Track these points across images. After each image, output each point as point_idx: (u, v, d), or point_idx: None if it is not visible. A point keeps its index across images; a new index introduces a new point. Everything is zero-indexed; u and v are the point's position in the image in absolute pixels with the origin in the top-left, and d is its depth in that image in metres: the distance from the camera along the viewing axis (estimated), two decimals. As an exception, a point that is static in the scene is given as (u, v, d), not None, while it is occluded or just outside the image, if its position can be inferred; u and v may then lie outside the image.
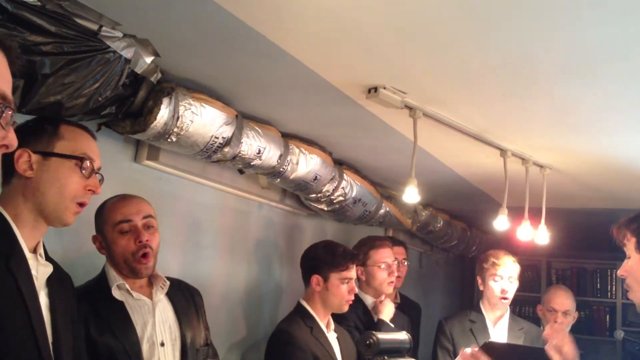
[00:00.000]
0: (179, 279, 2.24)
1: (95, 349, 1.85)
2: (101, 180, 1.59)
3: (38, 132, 1.50)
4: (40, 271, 1.46)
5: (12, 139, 1.00)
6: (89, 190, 1.53)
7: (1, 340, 1.27)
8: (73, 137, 1.54)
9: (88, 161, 1.53)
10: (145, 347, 1.93)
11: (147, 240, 1.97)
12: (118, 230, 1.96)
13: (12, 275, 1.34)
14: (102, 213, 2.02)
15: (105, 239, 2.00)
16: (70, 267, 2.14)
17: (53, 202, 1.47)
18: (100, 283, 1.99)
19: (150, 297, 2.03)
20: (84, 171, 1.51)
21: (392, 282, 3.14)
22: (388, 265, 3.12)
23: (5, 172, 1.48)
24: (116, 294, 1.96)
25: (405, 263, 3.69)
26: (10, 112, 0.99)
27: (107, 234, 1.99)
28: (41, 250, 1.50)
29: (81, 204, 1.53)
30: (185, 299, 2.15)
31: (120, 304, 1.95)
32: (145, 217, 2.00)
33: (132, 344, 1.90)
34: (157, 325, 1.98)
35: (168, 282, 2.07)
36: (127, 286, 1.98)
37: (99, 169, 1.57)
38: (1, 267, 1.33)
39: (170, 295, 2.09)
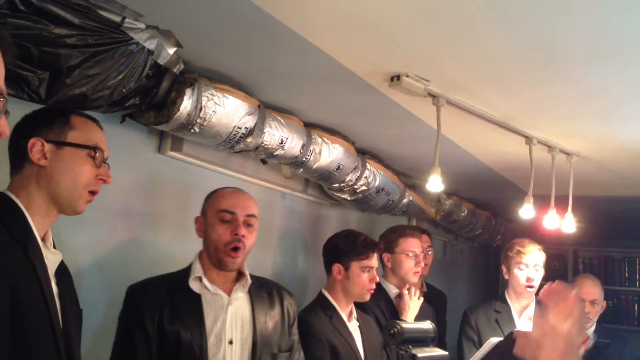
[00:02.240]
0: (275, 282, 2.27)
1: (164, 337, 1.90)
2: (108, 168, 1.62)
3: (50, 121, 1.52)
4: (50, 259, 1.48)
5: (4, 127, 1.03)
6: (100, 179, 1.56)
7: (23, 325, 1.30)
8: (84, 127, 1.56)
9: (99, 151, 1.56)
10: (211, 342, 1.94)
11: (243, 236, 2.02)
12: (220, 218, 2.03)
13: (30, 263, 1.37)
14: (211, 197, 2.11)
15: (205, 222, 2.07)
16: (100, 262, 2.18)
17: (67, 190, 1.50)
18: (184, 273, 2.05)
19: (229, 293, 2.04)
20: (95, 161, 1.54)
21: (417, 272, 3.14)
22: (415, 255, 3.12)
23: (16, 160, 1.49)
24: (193, 285, 2.00)
25: (430, 252, 3.71)
26: (1, 101, 1.01)
27: (209, 217, 2.07)
28: (50, 239, 1.51)
29: (93, 192, 1.56)
30: (271, 300, 2.15)
31: (197, 296, 1.99)
32: (248, 215, 2.06)
33: (198, 337, 1.92)
34: (229, 322, 1.99)
35: (250, 281, 2.08)
36: (205, 279, 2.01)
37: (107, 158, 1.61)
38: (21, 255, 1.36)
39: (252, 294, 2.09)
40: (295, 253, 3.49)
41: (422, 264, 3.18)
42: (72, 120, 1.55)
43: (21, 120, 1.51)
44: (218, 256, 2.02)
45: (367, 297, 2.70)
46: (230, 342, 1.97)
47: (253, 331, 2.02)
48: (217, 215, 2.04)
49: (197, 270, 2.02)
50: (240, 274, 2.09)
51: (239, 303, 2.05)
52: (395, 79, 2.17)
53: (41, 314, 1.36)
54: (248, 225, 2.05)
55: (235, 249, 2.01)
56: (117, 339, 1.95)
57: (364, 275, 2.64)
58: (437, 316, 3.47)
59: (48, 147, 1.48)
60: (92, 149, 1.54)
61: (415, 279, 3.17)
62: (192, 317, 1.94)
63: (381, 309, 3.02)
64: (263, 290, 2.15)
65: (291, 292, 2.29)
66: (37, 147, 1.47)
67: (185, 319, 1.92)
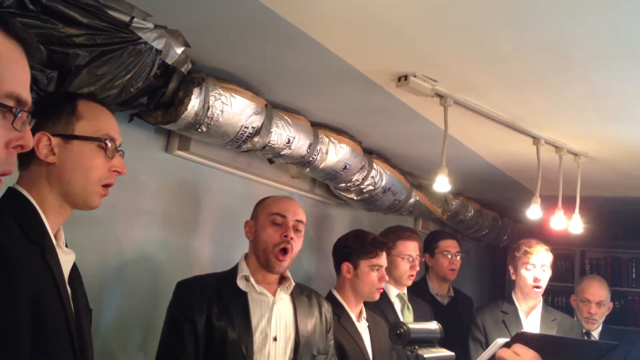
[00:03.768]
0: (315, 290, 2.37)
1: (212, 332, 1.97)
2: (122, 157, 1.50)
3: (55, 112, 1.40)
4: (64, 260, 1.40)
5: (28, 139, 0.96)
6: (114, 171, 1.45)
7: (42, 329, 1.26)
8: (93, 115, 1.44)
9: (111, 141, 1.43)
10: (257, 339, 2.02)
11: (291, 238, 2.12)
12: (271, 220, 2.14)
13: (47, 265, 1.30)
14: (263, 202, 2.23)
15: (256, 225, 2.17)
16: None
17: (80, 187, 1.39)
18: (232, 272, 2.14)
19: (274, 294, 2.13)
20: (107, 152, 1.42)
21: (412, 275, 3.11)
22: (411, 259, 3.09)
23: (23, 156, 1.36)
24: (241, 284, 2.09)
25: (458, 257, 3.69)
26: (24, 114, 0.95)
27: (259, 220, 2.17)
28: (63, 238, 1.43)
29: (107, 185, 1.45)
30: (310, 305, 2.25)
31: (243, 294, 2.08)
32: (297, 221, 2.17)
33: (245, 332, 2.00)
34: (274, 320, 2.08)
35: (293, 284, 2.18)
36: (252, 279, 2.10)
37: (120, 145, 1.49)
38: (38, 257, 1.29)
39: (294, 297, 2.19)
40: (301, 252, 3.47)
41: (417, 268, 3.15)
42: (79, 109, 1.42)
43: None
44: (267, 257, 2.11)
45: (377, 296, 2.70)
46: (275, 339, 2.05)
47: (295, 331, 2.11)
48: (268, 218, 2.15)
49: (244, 270, 2.12)
50: (283, 278, 2.18)
51: (283, 304, 2.14)
52: (402, 78, 2.17)
53: (59, 317, 1.30)
54: (296, 230, 2.16)
55: (284, 250, 2.10)
56: (165, 332, 2.03)
57: (373, 274, 2.66)
58: (463, 319, 3.46)
59: (55, 141, 1.37)
60: (103, 141, 1.42)
61: (409, 283, 3.14)
62: (239, 314, 2.02)
63: (381, 310, 3.00)
64: (303, 295, 2.25)
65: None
66: (44, 143, 1.36)
67: (232, 315, 2.01)
